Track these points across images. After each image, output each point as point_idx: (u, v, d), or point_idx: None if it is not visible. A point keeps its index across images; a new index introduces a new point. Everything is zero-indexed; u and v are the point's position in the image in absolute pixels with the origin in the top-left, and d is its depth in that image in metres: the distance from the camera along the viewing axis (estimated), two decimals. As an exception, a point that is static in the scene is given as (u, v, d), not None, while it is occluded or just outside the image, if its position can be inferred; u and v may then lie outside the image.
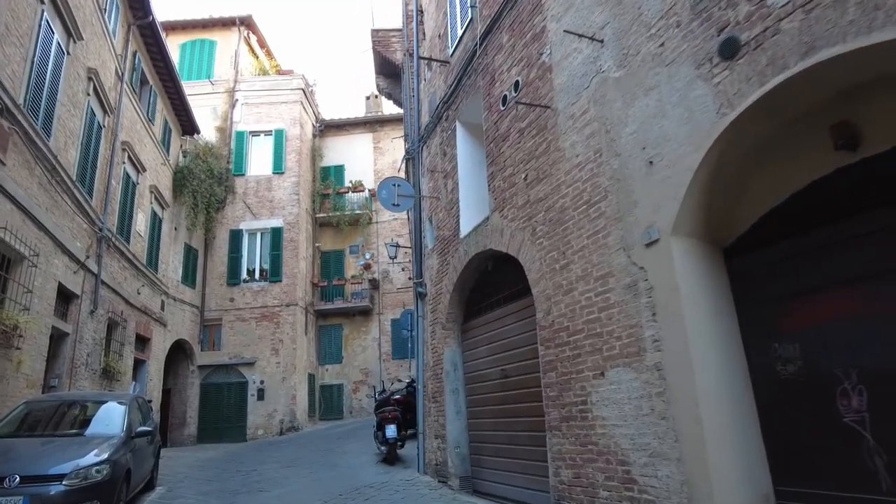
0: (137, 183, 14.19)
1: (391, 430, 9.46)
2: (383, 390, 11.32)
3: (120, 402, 7.24)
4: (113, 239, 12.29)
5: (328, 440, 14.52)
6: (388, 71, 12.63)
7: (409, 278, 21.39)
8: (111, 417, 6.82)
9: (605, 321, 4.72)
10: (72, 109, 9.84)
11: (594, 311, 4.87)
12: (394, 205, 8.63)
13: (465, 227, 7.77)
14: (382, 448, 9.71)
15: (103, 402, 7.33)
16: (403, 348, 21.02)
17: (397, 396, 11.25)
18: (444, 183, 8.64)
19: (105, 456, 5.84)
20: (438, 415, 8.21)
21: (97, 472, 5.62)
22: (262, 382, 18.40)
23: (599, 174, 4.95)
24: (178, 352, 18.23)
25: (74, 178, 9.97)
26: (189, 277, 18.39)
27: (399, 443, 9.66)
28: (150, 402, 11.72)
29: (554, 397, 5.35)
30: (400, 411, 9.95)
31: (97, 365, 11.33)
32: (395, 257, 18.24)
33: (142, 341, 14.77)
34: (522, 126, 6.29)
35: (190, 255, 18.52)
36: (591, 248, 4.96)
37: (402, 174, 11.49)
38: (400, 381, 14.30)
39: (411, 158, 10.13)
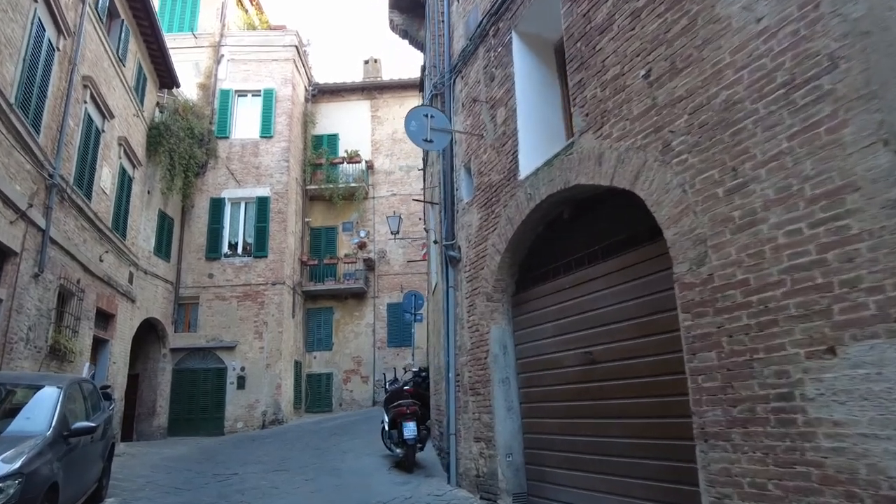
0: (103, 131, 12.03)
1: (411, 429, 7.55)
2: (395, 380, 9.37)
3: (57, 388, 5.23)
4: (69, 190, 10.17)
5: (320, 436, 12.57)
6: (405, 2, 10.65)
7: (410, 261, 19.51)
8: (37, 410, 4.81)
9: (839, 265, 2.86)
10: (9, 12, 7.72)
11: (809, 251, 3.01)
12: (426, 141, 6.68)
13: (528, 165, 5.87)
14: (397, 450, 7.79)
15: (40, 388, 5.32)
16: (401, 335, 19.15)
17: (408, 388, 9.33)
18: (492, 115, 6.72)
19: (15, 466, 3.87)
20: (481, 412, 6.32)
21: (-1, 490, 3.65)
22: (242, 369, 16.36)
23: (813, 36, 3.08)
24: (149, 332, 16.09)
25: (13, 100, 7.87)
26: (163, 249, 16.24)
27: (420, 445, 7.75)
28: (107, 387, 9.69)
29: (715, 389, 3.48)
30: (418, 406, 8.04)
31: (42, 341, 9.24)
32: (398, 232, 16.31)
33: (104, 318, 12.64)
34: (639, 5, 4.39)
35: (165, 223, 16.37)
36: (801, 152, 3.09)
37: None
38: (405, 370, 12.41)
39: (439, 94, 8.18)
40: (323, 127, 21.36)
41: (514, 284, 6.42)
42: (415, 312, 15.30)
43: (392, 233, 16.28)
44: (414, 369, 11.32)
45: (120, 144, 13.12)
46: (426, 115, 6.71)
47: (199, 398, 16.14)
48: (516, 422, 6.07)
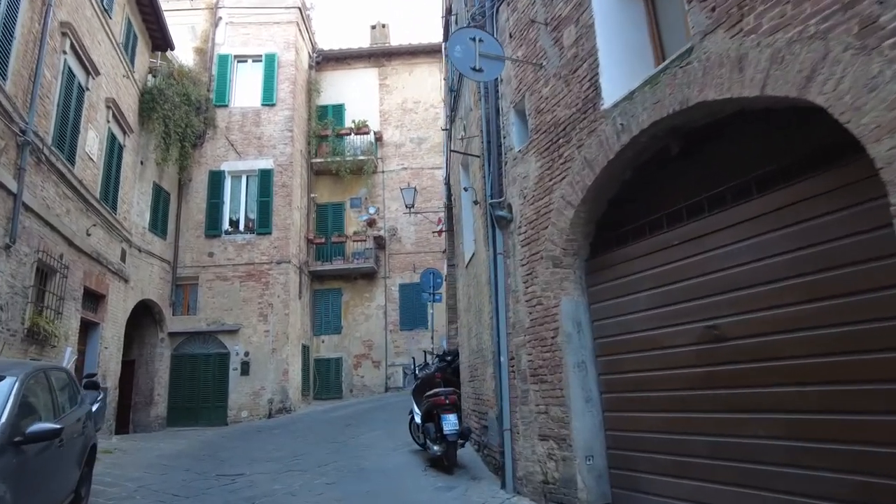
0: (88, 89, 10.71)
1: (452, 423, 6.33)
2: (425, 364, 8.12)
3: (11, 379, 3.98)
4: (46, 151, 8.89)
5: (334, 426, 11.40)
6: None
7: (433, 232, 18.02)
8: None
9: None
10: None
11: None
12: (474, 69, 5.35)
13: (614, 90, 4.59)
14: (434, 447, 6.57)
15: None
16: (414, 317, 17.99)
17: (437, 374, 8.11)
18: (555, 38, 5.42)
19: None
20: (549, 403, 5.09)
21: None
22: (246, 354, 15.18)
23: None
24: (145, 315, 14.89)
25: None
26: (159, 225, 14.97)
27: (461, 440, 6.53)
28: (93, 375, 8.50)
29: None
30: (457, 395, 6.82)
31: (18, 323, 8.02)
32: (413, 206, 15.04)
33: (93, 298, 11.42)
34: None
35: (160, 197, 15.08)
36: None
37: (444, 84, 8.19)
38: (426, 354, 11.22)
39: (480, 25, 6.83)
40: (328, 97, 19.98)
41: (587, 247, 5.16)
42: (433, 292, 14.06)
43: (406, 206, 14.99)
44: (438, 353, 10.04)
45: (108, 107, 11.80)
46: (473, 39, 5.38)
47: (200, 386, 14.97)
48: (596, 416, 4.85)
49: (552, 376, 5.07)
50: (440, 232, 16.68)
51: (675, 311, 4.14)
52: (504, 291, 6.03)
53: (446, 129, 10.51)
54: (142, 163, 14.06)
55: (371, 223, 18.93)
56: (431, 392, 6.73)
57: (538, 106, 5.69)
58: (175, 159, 15.35)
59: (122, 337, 12.83)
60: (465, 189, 7.07)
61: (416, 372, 7.83)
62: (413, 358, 7.97)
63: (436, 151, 19.61)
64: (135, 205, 13.67)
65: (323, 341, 18.45)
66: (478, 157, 6.82)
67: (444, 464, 6.51)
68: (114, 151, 12.24)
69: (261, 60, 17.69)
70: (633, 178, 4.71)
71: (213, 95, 17.10)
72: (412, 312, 18.36)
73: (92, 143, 11.03)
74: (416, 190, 15.14)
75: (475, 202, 6.87)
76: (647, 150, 4.43)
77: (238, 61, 17.81)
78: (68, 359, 8.26)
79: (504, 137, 6.38)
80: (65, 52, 9.65)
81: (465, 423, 6.72)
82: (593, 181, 4.76)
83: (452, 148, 9.94)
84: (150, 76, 14.58)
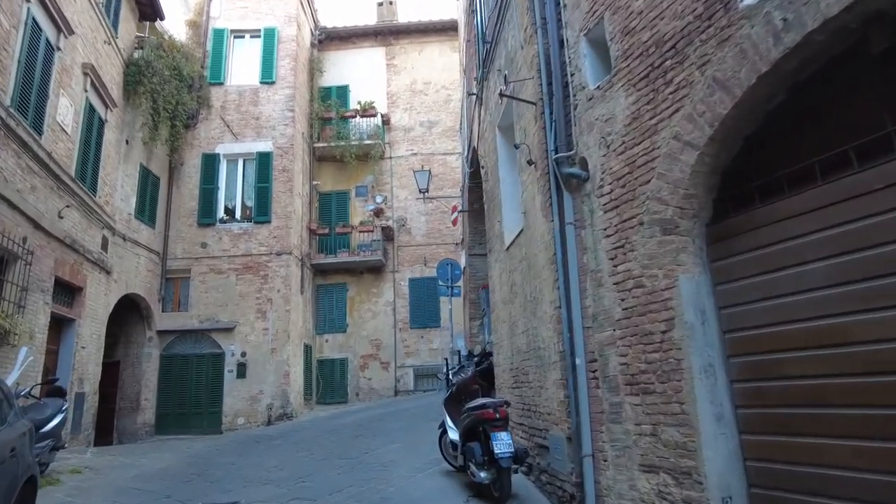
0: (59, 48, 9.30)
1: (505, 443, 4.91)
2: (460, 366, 6.64)
3: None
4: (2, 112, 7.48)
5: (342, 437, 9.99)
6: None
7: (451, 220, 16.53)
8: None
9: None
10: None
11: None
12: None
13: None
14: (480, 473, 5.13)
15: None
16: (426, 315, 16.61)
17: (455, 381, 6.64)
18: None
19: None
20: (660, 422, 3.69)
21: None
22: (243, 355, 13.77)
23: None
24: (131, 312, 13.49)
25: None
26: (146, 212, 13.55)
27: (515, 466, 5.10)
28: (53, 381, 7.11)
29: None
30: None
31: (-37, 317, 6.61)
32: (427, 190, 13.63)
33: (68, 291, 10.02)
34: None
35: (148, 181, 13.66)
36: None
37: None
38: (454, 353, 9.77)
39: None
40: (331, 77, 18.57)
41: (710, 206, 3.76)
42: (451, 285, 12.65)
43: (420, 191, 13.57)
44: (463, 353, 8.56)
45: (86, 74, 10.39)
46: None
47: (192, 390, 13.56)
48: (731, 440, 3.45)
49: (664, 385, 3.67)
50: (455, 221, 15.30)
51: (879, 289, 2.74)
52: (577, 273, 4.62)
53: (473, 94, 9.10)
54: (127, 142, 12.64)
55: (378, 213, 17.52)
56: (475, 404, 5.30)
57: (627, 25, 4.28)
58: (165, 139, 13.96)
59: (103, 335, 11.41)
60: (517, 146, 5.65)
61: (449, 375, 6.39)
62: (446, 359, 6.50)
63: (448, 136, 18.22)
64: (119, 188, 12.25)
65: (326, 340, 17.02)
66: (533, 103, 5.41)
67: (494, 495, 5.10)
68: (93, 125, 10.82)
69: (259, 36, 16.27)
70: (785, 105, 3.30)
71: (207, 73, 15.71)
72: (423, 309, 16.95)
73: (65, 112, 9.61)
74: (430, 172, 13.70)
75: (529, 162, 5.45)
76: (821, 54, 3.01)
77: (235, 36, 16.42)
78: (21, 361, 6.85)
79: (571, 75, 4.97)
80: (28, 0, 8.24)
81: (523, 448, 5.29)
82: (730, 109, 3.35)
83: (481, 115, 8.53)
84: (137, 50, 13.15)
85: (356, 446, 8.93)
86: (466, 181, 11.32)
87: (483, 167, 8.34)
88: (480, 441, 5.14)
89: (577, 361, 4.46)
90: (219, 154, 15.16)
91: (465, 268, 12.73)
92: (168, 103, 13.61)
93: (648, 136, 3.96)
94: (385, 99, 18.65)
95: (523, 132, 5.89)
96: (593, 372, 4.39)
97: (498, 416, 5.07)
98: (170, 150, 14.45)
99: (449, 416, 6.21)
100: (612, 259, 4.27)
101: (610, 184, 4.37)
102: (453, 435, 5.99)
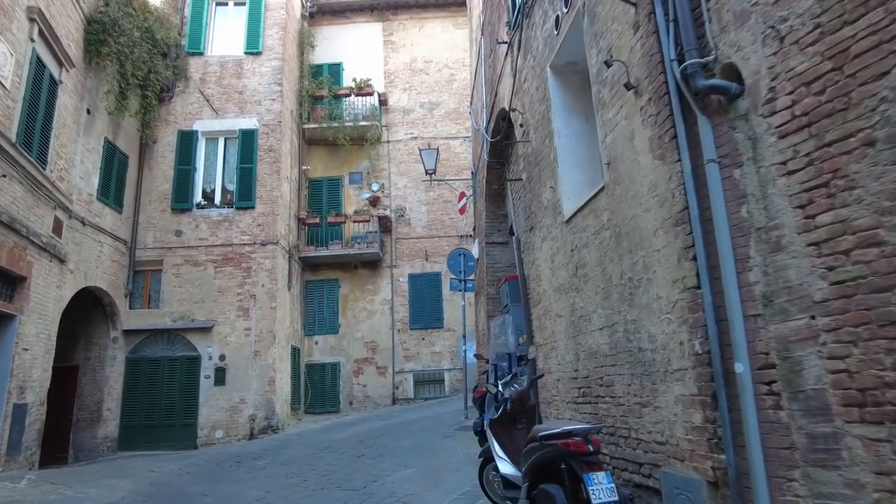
0: (-6, -19, 7.56)
1: (605, 488, 3.23)
2: (512, 375, 4.93)
3: None
4: None
5: (340, 456, 8.32)
6: None
7: (460, 209, 14.68)
8: None
9: None
10: None
11: None
12: None
13: None
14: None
15: None
16: (427, 315, 15.01)
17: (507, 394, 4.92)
18: None
19: None
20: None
21: None
22: (222, 358, 12.03)
23: None
24: (93, 308, 11.72)
25: None
26: (111, 194, 11.77)
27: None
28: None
29: None
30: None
31: None
32: (434, 172, 12.02)
33: (6, 281, 8.25)
34: None
35: (114, 159, 11.88)
36: None
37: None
38: (478, 357, 8.11)
39: None
40: (323, 54, 16.91)
41: None
42: (464, 279, 11.03)
43: (427, 172, 11.92)
44: (513, 355, 6.84)
45: (32, 19, 8.65)
46: None
47: (163, 398, 11.78)
48: None
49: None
50: (463, 209, 13.70)
51: None
52: (727, 233, 3.02)
53: (504, 42, 7.51)
54: (89, 111, 10.87)
55: (374, 202, 15.86)
56: (553, 430, 3.62)
57: None
58: (135, 112, 12.22)
59: (53, 335, 9.61)
60: (608, 63, 4.04)
61: (500, 388, 4.67)
62: (494, 365, 4.84)
63: (451, 119, 16.66)
64: (78, 163, 10.48)
65: (316, 343, 15.28)
66: (633, 3, 3.80)
67: (585, 563, 3.48)
68: (42, 83, 9.07)
69: (244, 3, 14.58)
70: None
71: (185, 41, 13.97)
72: (425, 308, 15.32)
73: (2, 61, 7.86)
74: (438, 151, 12.09)
75: (627, 87, 3.85)
76: None
77: (217, 4, 14.72)
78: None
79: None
80: None
81: (628, 493, 3.68)
82: None
83: (517, 65, 6.93)
84: (103, 8, 11.38)
85: (360, 470, 7.26)
86: (486, 156, 9.71)
87: (522, 125, 6.73)
88: (564, 484, 3.52)
89: (738, 368, 2.86)
90: (197, 131, 13.41)
91: (478, 260, 11.14)
92: (138, 69, 11.87)
93: (880, 2, 2.38)
94: (382, 78, 17.02)
95: (606, 53, 4.30)
96: (768, 384, 2.79)
97: (591, 447, 3.46)
98: (140, 124, 12.68)
99: (496, 442, 4.58)
100: (802, 207, 2.68)
101: (790, 93, 2.78)
102: (506, 469, 4.36)
